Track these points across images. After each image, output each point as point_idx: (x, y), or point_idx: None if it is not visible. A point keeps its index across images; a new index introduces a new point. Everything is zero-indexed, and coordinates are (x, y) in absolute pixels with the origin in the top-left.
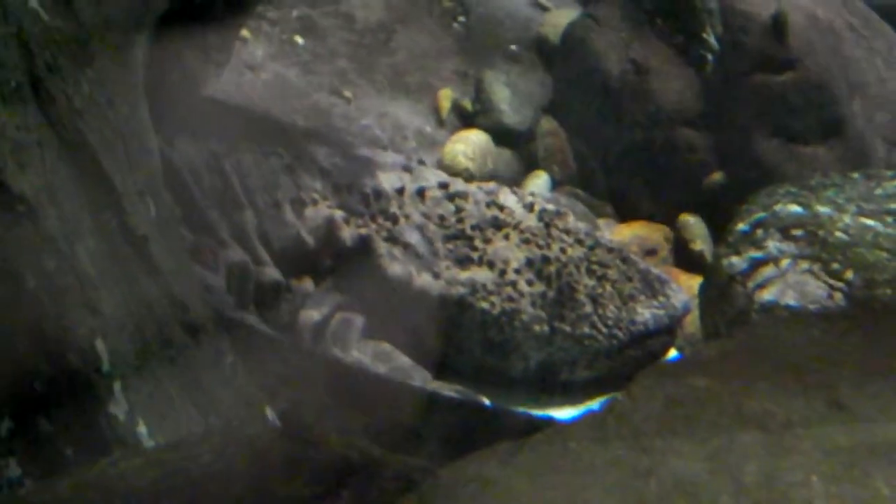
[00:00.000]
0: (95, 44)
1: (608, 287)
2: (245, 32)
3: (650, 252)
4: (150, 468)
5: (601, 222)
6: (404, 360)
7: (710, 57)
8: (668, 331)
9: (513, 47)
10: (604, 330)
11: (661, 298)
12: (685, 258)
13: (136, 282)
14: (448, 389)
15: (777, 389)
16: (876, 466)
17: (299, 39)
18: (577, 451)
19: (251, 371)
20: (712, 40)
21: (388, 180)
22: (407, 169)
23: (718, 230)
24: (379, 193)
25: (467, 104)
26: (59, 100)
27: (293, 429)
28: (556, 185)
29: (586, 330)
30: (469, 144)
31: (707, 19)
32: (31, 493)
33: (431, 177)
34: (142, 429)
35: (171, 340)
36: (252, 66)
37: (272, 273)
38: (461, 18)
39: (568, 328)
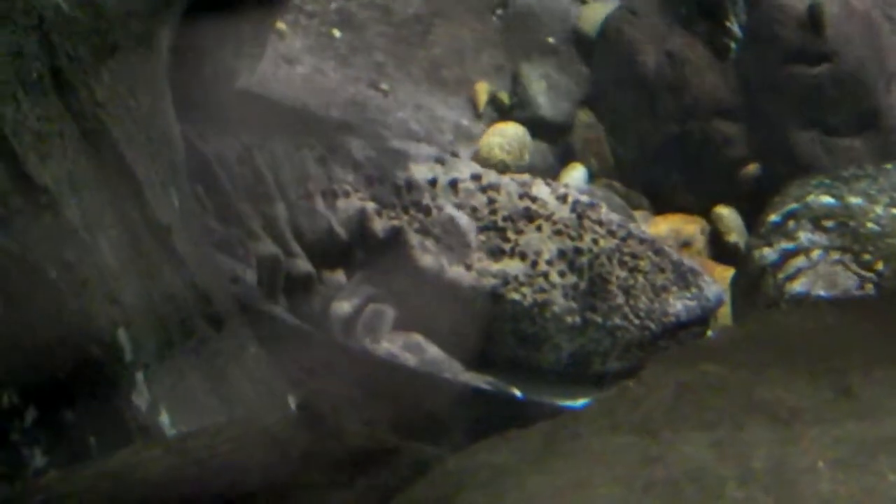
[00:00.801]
0: (117, 34)
1: (640, 278)
2: (282, 25)
3: (685, 244)
4: (168, 457)
5: (637, 214)
6: (436, 351)
7: (733, 45)
8: (700, 322)
9: (550, 40)
10: (636, 321)
11: (694, 290)
12: (720, 250)
13: (159, 273)
14: (479, 381)
15: (787, 376)
16: (883, 453)
17: (337, 32)
18: (586, 438)
19: (276, 362)
20: (736, 28)
21: (420, 172)
22: (439, 161)
23: (754, 222)
24: (411, 185)
25: (504, 97)
26: (80, 90)
27: (311, 419)
28: (592, 177)
29: (618, 321)
30: (506, 137)
31: (731, 7)
32: (52, 483)
33: (464, 168)
34: (164, 418)
35: (193, 331)
36: (289, 59)
37: (303, 265)
38: (499, 11)
39: (600, 319)
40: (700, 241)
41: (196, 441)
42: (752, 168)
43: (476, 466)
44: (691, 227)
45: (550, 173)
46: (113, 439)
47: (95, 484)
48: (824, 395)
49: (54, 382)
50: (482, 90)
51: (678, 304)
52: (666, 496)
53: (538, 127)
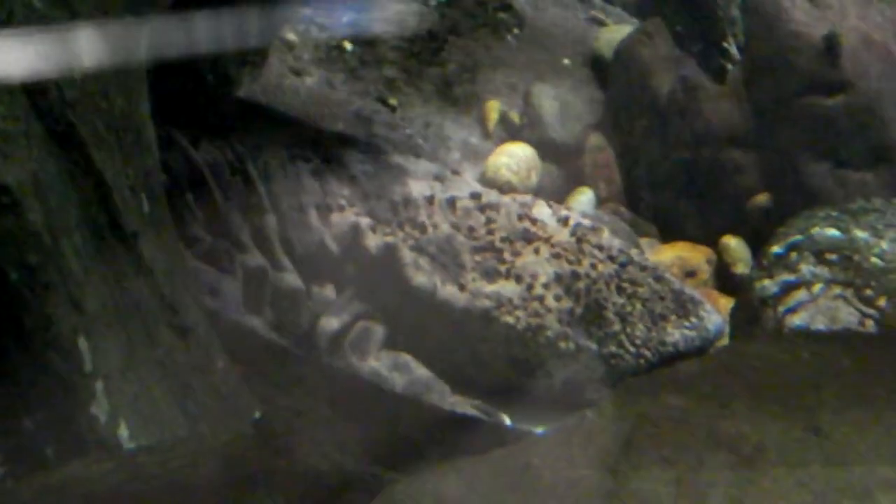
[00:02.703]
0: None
1: (638, 306)
2: (292, 36)
3: (690, 273)
4: (119, 471)
5: (644, 242)
6: (424, 372)
7: (729, 66)
8: (699, 353)
9: (566, 61)
10: (631, 349)
11: (694, 319)
12: (726, 281)
13: (125, 280)
14: (466, 405)
15: (754, 411)
16: (849, 496)
17: (348, 45)
18: (538, 469)
19: (247, 377)
20: (733, 50)
21: (418, 188)
22: (439, 178)
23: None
24: (408, 201)
25: (515, 117)
26: (49, 90)
27: (264, 438)
28: (600, 202)
29: (613, 349)
30: (513, 157)
31: (729, 28)
32: None
33: (463, 186)
34: (123, 431)
35: (159, 342)
36: (297, 70)
37: (291, 279)
38: (515, 31)
39: (594, 346)
40: (706, 271)
41: (149, 457)
42: (762, 198)
43: (423, 494)
44: (697, 256)
45: (558, 196)
46: (70, 450)
47: (40, 497)
48: (792, 434)
49: (13, 390)
50: (493, 109)
51: (676, 334)
52: None
53: (548, 148)
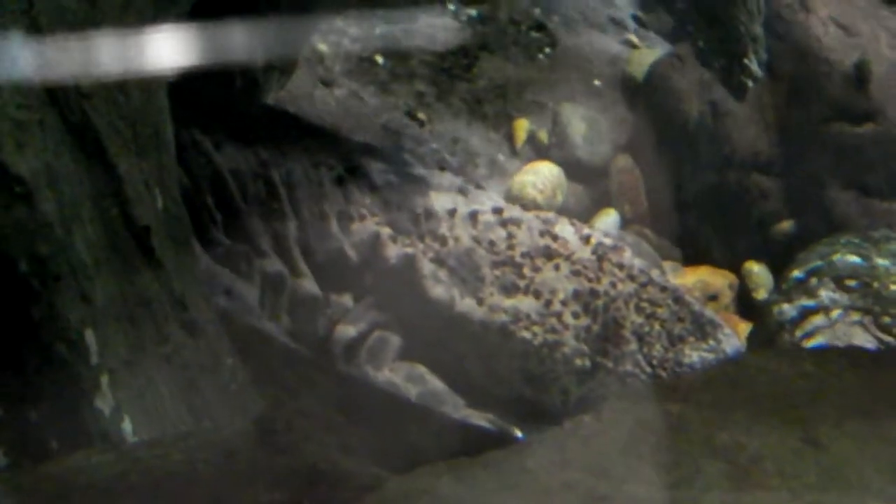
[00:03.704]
0: (108, 26)
1: (657, 326)
2: (323, 47)
3: (712, 298)
4: (119, 463)
5: (667, 265)
6: (438, 384)
7: (750, 84)
8: None
9: (596, 82)
10: (647, 369)
11: (712, 342)
12: (748, 307)
13: (135, 274)
14: (479, 418)
15: (752, 422)
16: None
17: (380, 58)
18: (533, 472)
19: (257, 378)
20: (755, 66)
21: (440, 201)
22: (462, 191)
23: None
24: (430, 213)
25: (543, 135)
26: (65, 81)
27: (266, 435)
28: (625, 224)
29: (629, 367)
30: (539, 176)
31: (751, 45)
32: None
33: (486, 201)
34: (127, 426)
35: (167, 338)
36: (327, 81)
37: (309, 286)
38: (547, 50)
39: (610, 364)
40: (727, 296)
41: (151, 450)
42: (787, 225)
43: (415, 492)
44: (720, 280)
45: (583, 216)
46: (73, 443)
47: (38, 485)
48: (790, 444)
49: (20, 380)
50: (521, 127)
51: (694, 355)
52: None
53: (574, 168)
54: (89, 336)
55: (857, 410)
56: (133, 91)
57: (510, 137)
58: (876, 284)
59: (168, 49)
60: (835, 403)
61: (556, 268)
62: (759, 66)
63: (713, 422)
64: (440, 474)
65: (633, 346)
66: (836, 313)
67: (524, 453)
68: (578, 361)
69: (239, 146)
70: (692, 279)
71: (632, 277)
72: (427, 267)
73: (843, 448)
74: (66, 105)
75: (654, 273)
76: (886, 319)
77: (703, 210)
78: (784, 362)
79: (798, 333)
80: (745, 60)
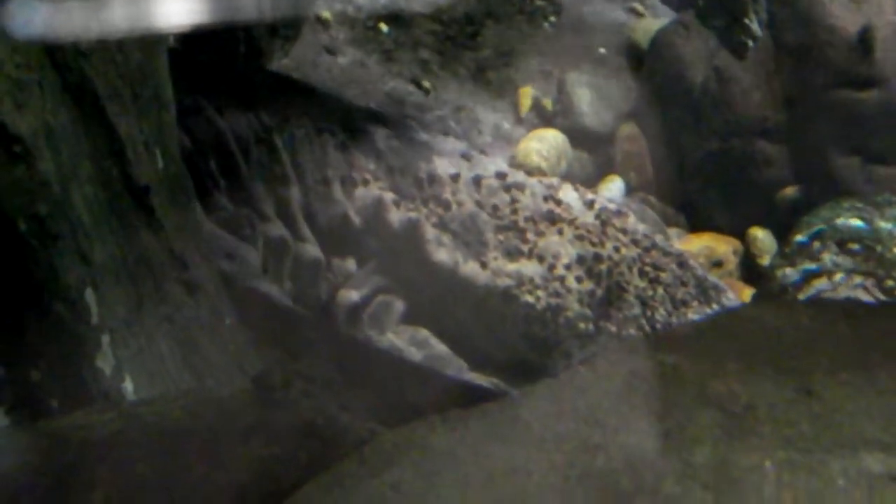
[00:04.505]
0: None
1: (660, 290)
2: (327, 15)
3: (717, 264)
4: (118, 420)
5: (672, 231)
6: (441, 348)
7: (750, 43)
8: None
9: (601, 50)
10: (650, 333)
11: (716, 306)
12: (752, 273)
13: (135, 234)
14: (482, 381)
15: (746, 371)
16: (835, 456)
17: (384, 27)
18: (527, 422)
19: (257, 339)
20: (755, 26)
21: (443, 166)
22: (465, 156)
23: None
24: (433, 178)
25: (548, 103)
26: (63, 40)
27: (264, 392)
28: (630, 191)
29: (632, 331)
30: (544, 143)
31: (750, 4)
32: None
33: (490, 166)
34: (128, 385)
35: (167, 297)
36: (331, 49)
37: (312, 250)
38: (552, 18)
39: (613, 328)
40: (732, 262)
41: (150, 407)
42: (791, 191)
43: (411, 444)
44: (724, 246)
45: (588, 184)
46: (74, 402)
47: (35, 441)
48: (783, 394)
49: (21, 340)
50: (526, 95)
51: (697, 319)
52: (600, 488)
53: (579, 136)
54: (89, 295)
55: (852, 360)
56: (132, 51)
57: (515, 105)
58: (879, 248)
59: (170, 11)
60: (829, 353)
61: (560, 232)
62: (759, 25)
63: (707, 371)
64: (434, 426)
65: (637, 310)
66: (838, 276)
67: (518, 404)
68: (582, 325)
69: (242, 111)
70: (697, 245)
71: (635, 242)
72: (430, 231)
73: (837, 397)
74: (65, 65)
75: (658, 238)
76: (889, 282)
77: (708, 177)
78: (779, 313)
79: (800, 297)
80: (745, 20)
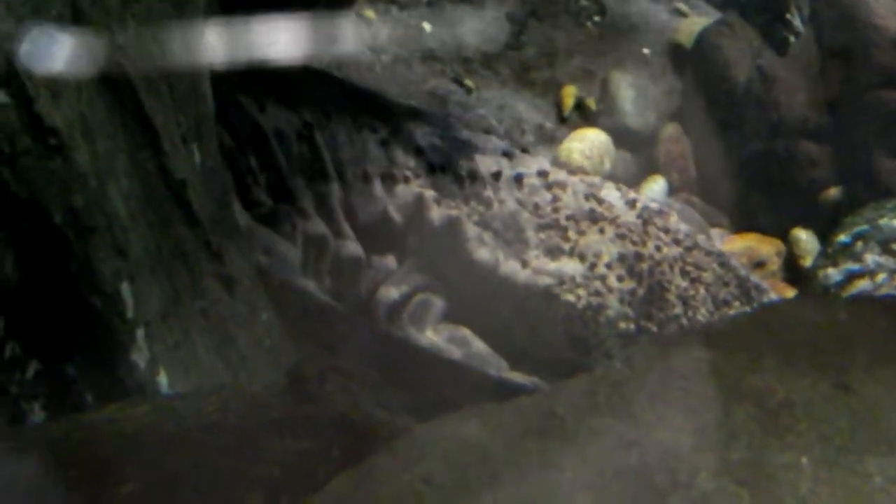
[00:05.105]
0: None
1: (701, 290)
2: (370, 13)
3: (759, 264)
4: (151, 414)
5: (714, 232)
6: (481, 346)
7: (792, 39)
8: None
9: (645, 51)
10: (687, 328)
11: (757, 307)
12: (795, 274)
13: (171, 227)
14: (523, 380)
15: (783, 367)
16: (873, 453)
17: (427, 26)
18: (562, 417)
19: (296, 337)
20: (797, 22)
21: (485, 164)
22: (507, 154)
23: None
24: (474, 176)
25: (591, 103)
26: (101, 33)
27: (296, 386)
28: (673, 191)
29: (674, 331)
30: (587, 143)
31: (792, 0)
32: (29, 433)
33: (531, 164)
34: (162, 379)
35: (203, 291)
36: (374, 48)
37: (352, 247)
38: (596, 18)
39: (655, 328)
40: (775, 263)
41: (184, 402)
42: (834, 192)
43: (443, 437)
44: (767, 247)
45: (631, 183)
46: (109, 396)
47: (69, 433)
48: (820, 390)
49: (57, 334)
50: (569, 94)
51: (734, 315)
52: (634, 484)
53: (622, 136)
54: (125, 289)
55: (890, 357)
56: (169, 45)
57: (558, 105)
58: None
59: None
60: (867, 349)
61: (601, 231)
62: (801, 21)
63: (744, 367)
64: (467, 419)
65: (678, 309)
66: (881, 277)
67: (553, 398)
68: (622, 325)
69: (283, 108)
70: (740, 246)
71: (677, 241)
72: (471, 230)
73: (874, 393)
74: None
75: (700, 238)
76: None
77: (751, 177)
78: (818, 309)
79: (842, 297)
80: (788, 16)
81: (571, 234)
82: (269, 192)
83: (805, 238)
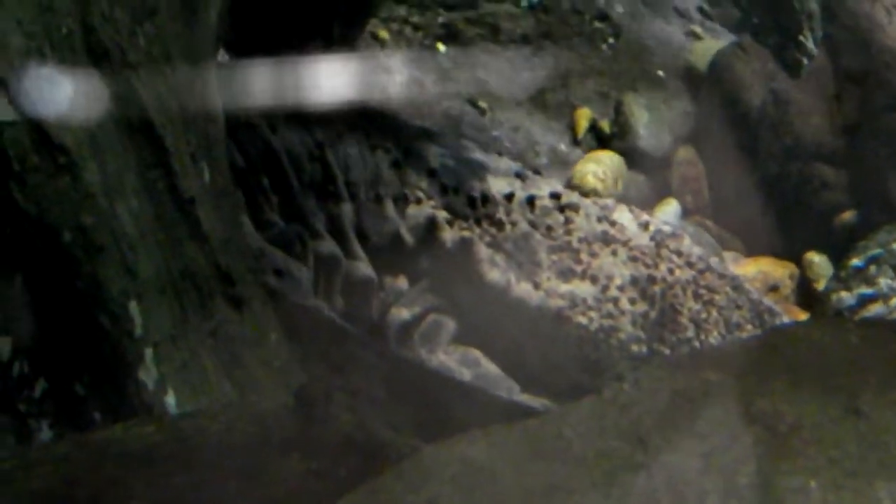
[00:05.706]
0: None
1: (714, 313)
2: (384, 34)
3: (773, 288)
4: (157, 434)
5: (728, 255)
6: (492, 368)
7: (805, 61)
8: None
9: (660, 73)
10: (696, 350)
11: (766, 329)
12: (808, 298)
13: (180, 247)
14: (534, 402)
15: (793, 390)
16: (882, 477)
17: (441, 47)
18: (569, 439)
19: (302, 354)
20: (810, 44)
21: (497, 185)
22: (520, 176)
23: None
24: (487, 198)
25: (605, 125)
26: (111, 51)
27: (303, 407)
28: (686, 214)
29: (683, 354)
30: (601, 165)
31: (806, 22)
32: (37, 452)
33: (544, 186)
34: (170, 399)
35: (212, 312)
36: (388, 69)
37: (364, 268)
38: (610, 40)
39: (667, 351)
40: (788, 287)
41: (190, 421)
42: (848, 215)
43: (450, 459)
44: (781, 271)
45: (644, 206)
46: (117, 415)
47: (72, 453)
48: (830, 413)
49: (65, 353)
50: (583, 116)
51: (744, 338)
52: None
53: (636, 158)
54: (133, 308)
55: None
56: (180, 63)
57: (572, 127)
58: None
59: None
60: (878, 373)
61: (614, 253)
62: (815, 43)
63: (753, 389)
64: (474, 441)
65: (690, 332)
66: (894, 301)
67: (560, 421)
68: (635, 347)
69: (295, 128)
70: (753, 269)
71: (690, 264)
72: (483, 251)
73: (885, 417)
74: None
75: (713, 260)
76: None
77: (765, 200)
78: (828, 332)
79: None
80: (801, 37)
81: (584, 256)
82: (280, 213)
83: (818, 261)
